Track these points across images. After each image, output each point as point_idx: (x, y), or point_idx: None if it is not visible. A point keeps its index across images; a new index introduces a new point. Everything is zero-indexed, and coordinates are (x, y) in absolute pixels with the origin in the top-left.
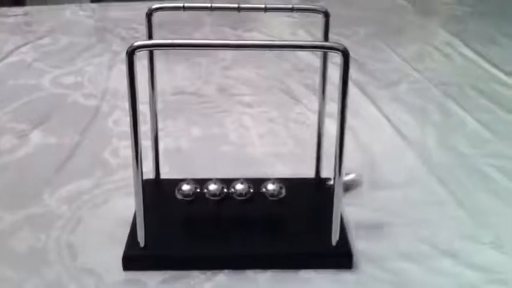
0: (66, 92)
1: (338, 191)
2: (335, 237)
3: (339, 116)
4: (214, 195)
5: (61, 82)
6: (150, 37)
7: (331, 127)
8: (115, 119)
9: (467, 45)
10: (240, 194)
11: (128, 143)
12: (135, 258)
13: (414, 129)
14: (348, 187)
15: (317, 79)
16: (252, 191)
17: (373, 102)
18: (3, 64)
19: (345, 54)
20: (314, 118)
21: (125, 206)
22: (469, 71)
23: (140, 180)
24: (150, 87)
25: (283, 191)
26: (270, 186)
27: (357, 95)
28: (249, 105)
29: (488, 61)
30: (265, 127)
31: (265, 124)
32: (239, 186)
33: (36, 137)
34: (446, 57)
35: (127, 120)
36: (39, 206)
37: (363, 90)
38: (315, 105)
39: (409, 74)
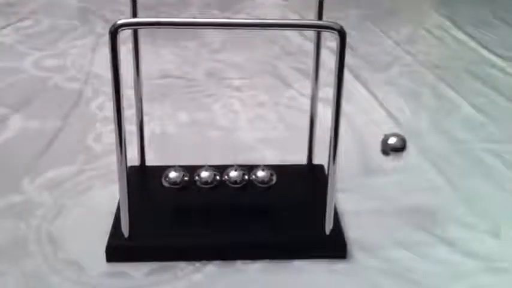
0: (49, 75)
1: (332, 178)
2: (329, 226)
3: (335, 99)
4: (206, 182)
5: (43, 65)
6: (134, 17)
7: (323, 112)
8: (99, 103)
9: (460, 28)
10: (235, 182)
11: (112, 128)
12: (119, 249)
13: (408, 114)
14: (395, 149)
15: (308, 63)
16: (246, 178)
17: (366, 86)
18: None
19: (342, 34)
20: (305, 103)
21: (108, 194)
22: (463, 54)
23: (124, 168)
24: (135, 69)
25: (274, 178)
26: (260, 173)
27: (349, 79)
28: (238, 89)
29: (482, 45)
30: (254, 112)
31: (254, 109)
32: (233, 174)
33: (16, 121)
34: (439, 40)
35: (111, 105)
36: (18, 194)
37: (355, 74)
38: (307, 90)
39: (402, 57)
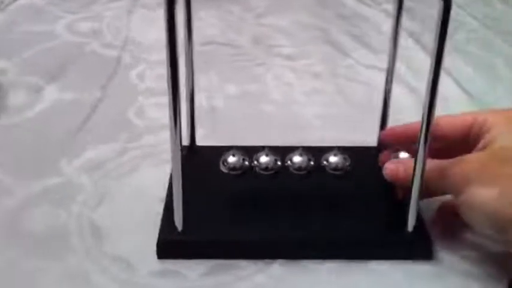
0: (84, 40)
1: (420, 163)
2: (412, 222)
3: (431, 74)
4: (265, 169)
5: (77, 29)
6: None
7: (381, 83)
8: (139, 72)
9: None
10: (299, 168)
11: (155, 100)
12: (171, 245)
13: (480, 86)
14: None
15: (365, 29)
16: (312, 163)
17: (429, 53)
18: (11, 8)
19: (447, 2)
20: (366, 74)
21: (156, 177)
22: None
23: (179, 150)
24: (186, 33)
25: (348, 164)
26: (333, 159)
27: (411, 46)
28: (290, 57)
29: None
30: (310, 84)
31: (310, 80)
32: (297, 159)
33: (51, 92)
34: (505, 4)
35: (153, 74)
36: (55, 176)
37: (416, 40)
38: (366, 59)
39: (466, 22)
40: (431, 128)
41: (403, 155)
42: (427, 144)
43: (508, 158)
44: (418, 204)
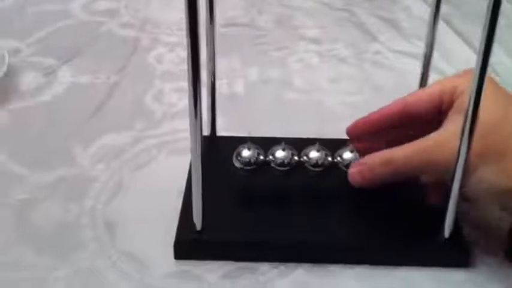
0: (100, 19)
1: (461, 160)
2: (448, 227)
3: (479, 67)
4: (281, 164)
5: (93, 8)
6: None
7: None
8: (157, 54)
9: None
10: (315, 164)
11: (174, 85)
12: (189, 245)
13: None
14: None
15: (395, 10)
16: (329, 159)
17: (465, 40)
18: None
19: None
20: (394, 59)
21: (174, 168)
22: None
23: (199, 144)
24: (208, 13)
25: None
26: (348, 155)
27: (444, 31)
28: (315, 41)
29: None
30: (336, 69)
31: (336, 65)
32: (313, 154)
33: (64, 75)
34: None
35: (171, 57)
36: (69, 166)
37: (450, 25)
38: (395, 43)
39: (503, 7)
40: (404, 109)
41: None
42: (471, 143)
43: (492, 132)
44: (456, 208)
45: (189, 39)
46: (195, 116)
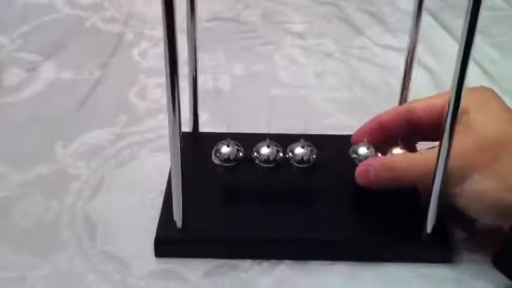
0: (84, 14)
1: (444, 156)
2: (431, 222)
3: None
4: (266, 161)
5: (77, 2)
6: None
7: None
8: (142, 49)
9: None
10: (300, 161)
11: (158, 81)
12: (170, 243)
13: (503, 69)
14: None
15: (381, 5)
16: (315, 156)
17: (451, 33)
18: None
19: None
20: (381, 54)
21: (156, 165)
22: None
23: (178, 139)
24: (189, 7)
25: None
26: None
27: (430, 25)
28: (301, 36)
29: None
30: (322, 65)
31: (322, 60)
32: (299, 150)
33: (47, 70)
34: None
35: (156, 52)
36: (49, 163)
37: (436, 18)
38: (381, 38)
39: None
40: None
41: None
42: (452, 140)
43: (491, 147)
44: (438, 205)
45: (166, 33)
46: (173, 112)
